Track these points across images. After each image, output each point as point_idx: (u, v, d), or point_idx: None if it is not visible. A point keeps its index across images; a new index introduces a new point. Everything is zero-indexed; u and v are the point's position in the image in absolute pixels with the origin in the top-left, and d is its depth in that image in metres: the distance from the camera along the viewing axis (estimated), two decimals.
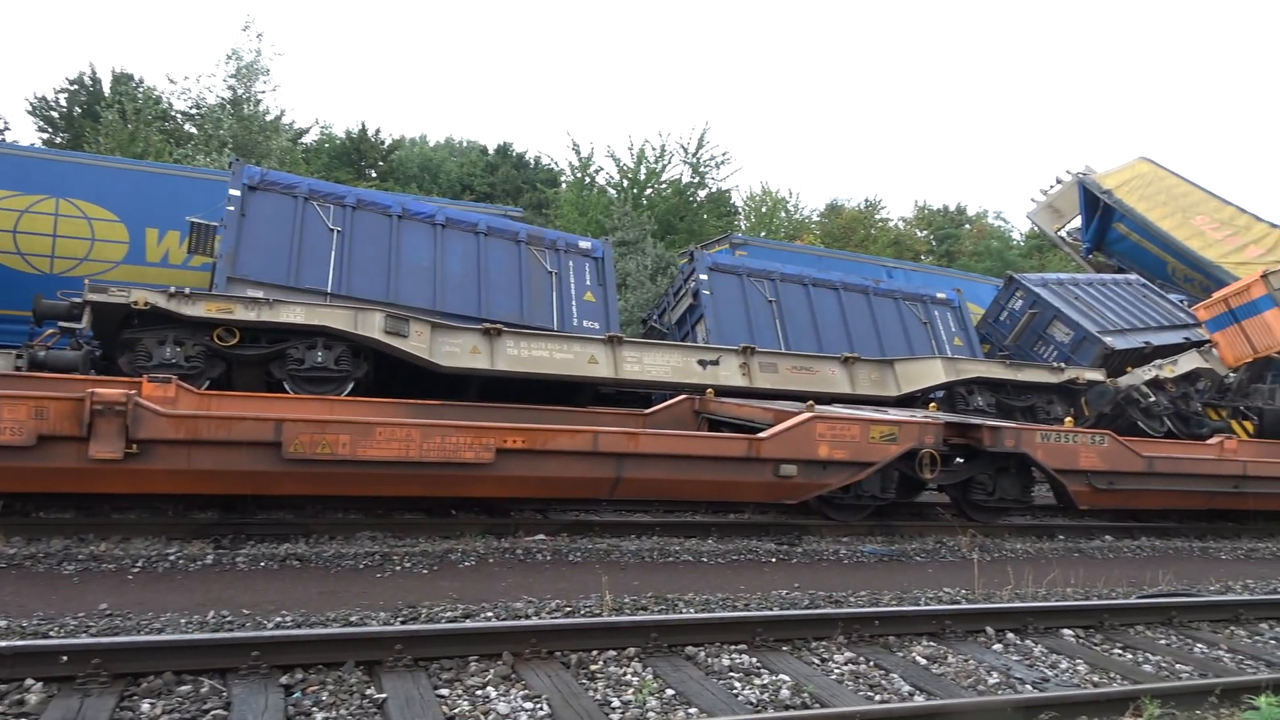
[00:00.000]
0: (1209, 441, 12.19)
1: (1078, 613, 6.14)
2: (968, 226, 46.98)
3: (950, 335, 14.85)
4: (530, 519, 8.34)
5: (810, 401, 8.85)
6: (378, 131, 40.91)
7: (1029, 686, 4.85)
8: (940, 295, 15.17)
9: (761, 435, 7.91)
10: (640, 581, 6.60)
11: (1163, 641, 6.02)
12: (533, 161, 41.34)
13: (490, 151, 43.55)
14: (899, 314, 14.71)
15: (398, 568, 6.55)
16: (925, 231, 46.32)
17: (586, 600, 5.86)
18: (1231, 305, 14.38)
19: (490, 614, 5.42)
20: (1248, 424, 14.20)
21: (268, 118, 26.13)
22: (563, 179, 32.79)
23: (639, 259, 21.03)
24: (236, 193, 10.66)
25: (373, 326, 9.61)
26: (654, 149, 28.54)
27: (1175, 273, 19.05)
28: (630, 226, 22.75)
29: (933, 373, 12.70)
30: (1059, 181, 21.68)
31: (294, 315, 9.43)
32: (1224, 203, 18.97)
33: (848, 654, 5.16)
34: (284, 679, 4.16)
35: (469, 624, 4.87)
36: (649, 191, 28.39)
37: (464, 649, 4.56)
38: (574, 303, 12.22)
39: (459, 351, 10.10)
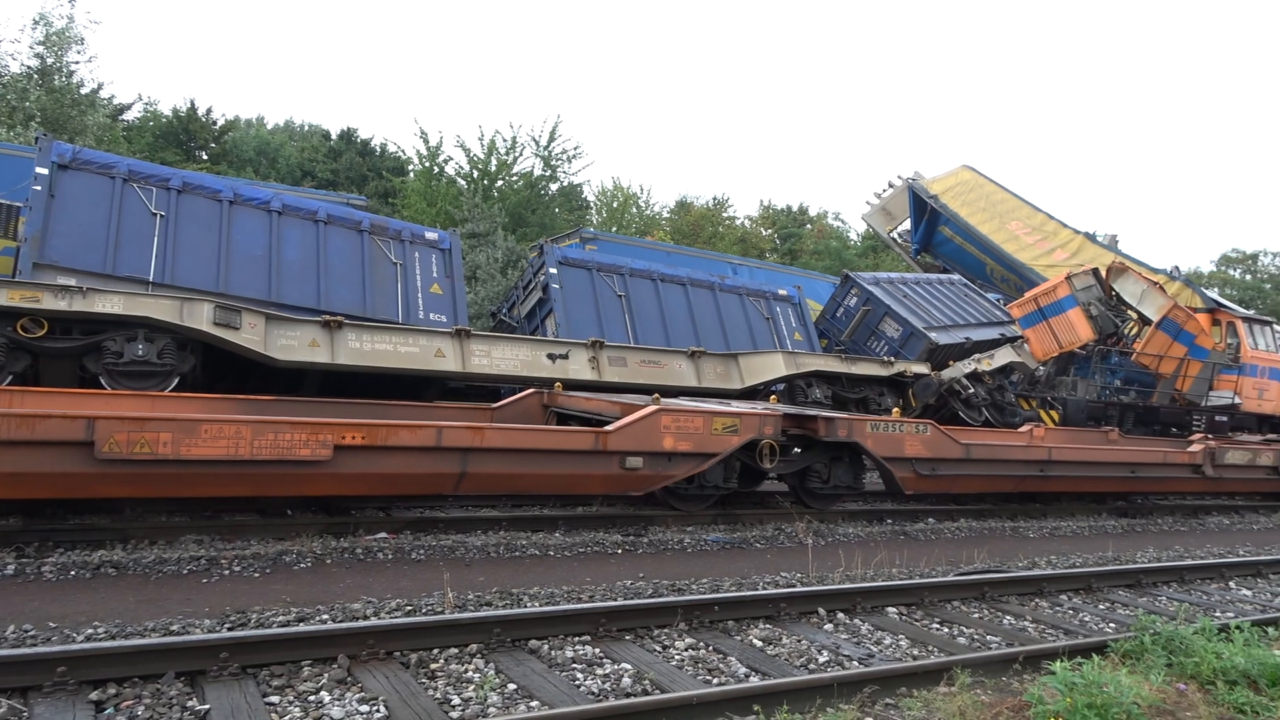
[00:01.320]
0: (1020, 429, 13.26)
1: (901, 591, 6.54)
2: (809, 227, 48.93)
3: (791, 330, 15.45)
4: (372, 517, 8.12)
5: (656, 395, 9.00)
6: (209, 111, 38.60)
7: (855, 663, 5.14)
8: (782, 292, 15.75)
9: (608, 428, 8.00)
10: (486, 577, 6.55)
11: (976, 615, 6.50)
12: (379, 149, 40.01)
13: (334, 137, 41.83)
14: (743, 309, 15.18)
15: (226, 572, 6.23)
16: (770, 230, 47.90)
17: (429, 598, 5.77)
18: (1040, 304, 15.64)
19: (326, 616, 5.25)
20: (1054, 413, 15.47)
21: (81, 90, 24.14)
22: (410, 168, 31.92)
23: (489, 252, 20.80)
24: (44, 171, 9.81)
25: (201, 318, 9.08)
26: (505, 140, 28.27)
27: (993, 273, 20.54)
28: (480, 218, 22.45)
29: (774, 366, 13.14)
30: (891, 186, 22.93)
31: (112, 305, 8.77)
32: (1035, 209, 20.61)
33: (688, 640, 5.30)
34: (94, 695, 3.88)
35: (302, 628, 4.69)
36: (500, 183, 28.06)
37: (296, 654, 4.40)
38: (420, 295, 11.95)
39: (296, 345, 9.68)
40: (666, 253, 18.68)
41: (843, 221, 51.34)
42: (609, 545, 7.97)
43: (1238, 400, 16.36)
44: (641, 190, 41.46)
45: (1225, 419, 16.38)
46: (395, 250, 12.07)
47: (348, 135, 41.14)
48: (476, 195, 25.05)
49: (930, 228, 21.63)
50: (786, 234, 47.34)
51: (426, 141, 27.71)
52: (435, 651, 4.72)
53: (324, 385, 10.34)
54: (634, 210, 38.80)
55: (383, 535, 7.54)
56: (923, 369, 14.41)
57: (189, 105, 37.93)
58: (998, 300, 18.07)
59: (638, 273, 14.13)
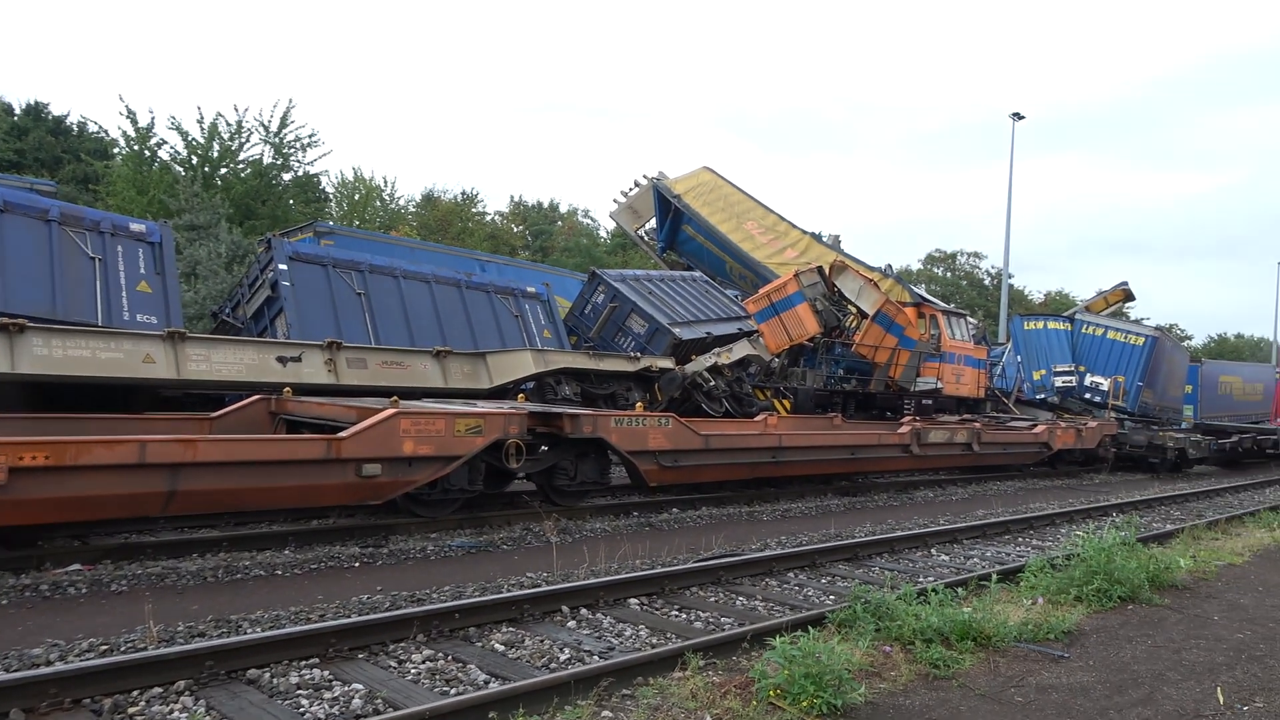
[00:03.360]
0: (756, 419, 14.17)
1: (643, 582, 6.77)
2: (560, 224, 49.57)
3: (540, 328, 15.50)
4: (64, 547, 7.23)
5: (394, 397, 8.71)
6: None
7: (595, 657, 5.24)
8: (531, 290, 15.77)
9: (342, 435, 7.64)
10: (201, 605, 6.03)
11: (712, 599, 6.85)
12: (76, 127, 35.73)
13: (18, 111, 36.83)
14: (492, 307, 15.04)
15: None
16: (521, 227, 48.05)
17: (131, 634, 5.22)
18: (773, 300, 16.81)
19: None
20: (786, 402, 16.63)
21: None
22: (116, 151, 28.76)
23: (211, 245, 19.26)
24: None
25: None
26: (229, 124, 26.20)
27: (732, 271, 21.82)
28: (201, 209, 20.73)
29: (523, 364, 13.07)
30: (637, 185, 23.71)
31: None
32: (768, 211, 22.12)
33: (427, 652, 5.16)
34: None
35: None
36: (224, 171, 26.01)
37: None
38: (124, 294, 10.79)
39: None
40: (411, 248, 18.16)
41: (593, 219, 52.58)
42: (345, 559, 7.61)
43: (940, 385, 18.39)
44: (386, 183, 39.91)
45: (930, 402, 18.37)
46: (93, 243, 10.81)
47: (36, 110, 36.41)
48: (196, 183, 23.06)
49: (674, 226, 22.60)
50: (538, 230, 47.65)
51: (135, 122, 25.01)
52: (135, 694, 4.27)
53: (3, 398, 9.05)
54: (377, 204, 37.42)
55: (76, 567, 6.74)
56: (668, 364, 14.87)
57: None
58: (736, 296, 19.11)
59: (379, 269, 13.61)
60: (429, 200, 43.86)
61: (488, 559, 8.01)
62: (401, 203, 41.45)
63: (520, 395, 12.18)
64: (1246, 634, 6.36)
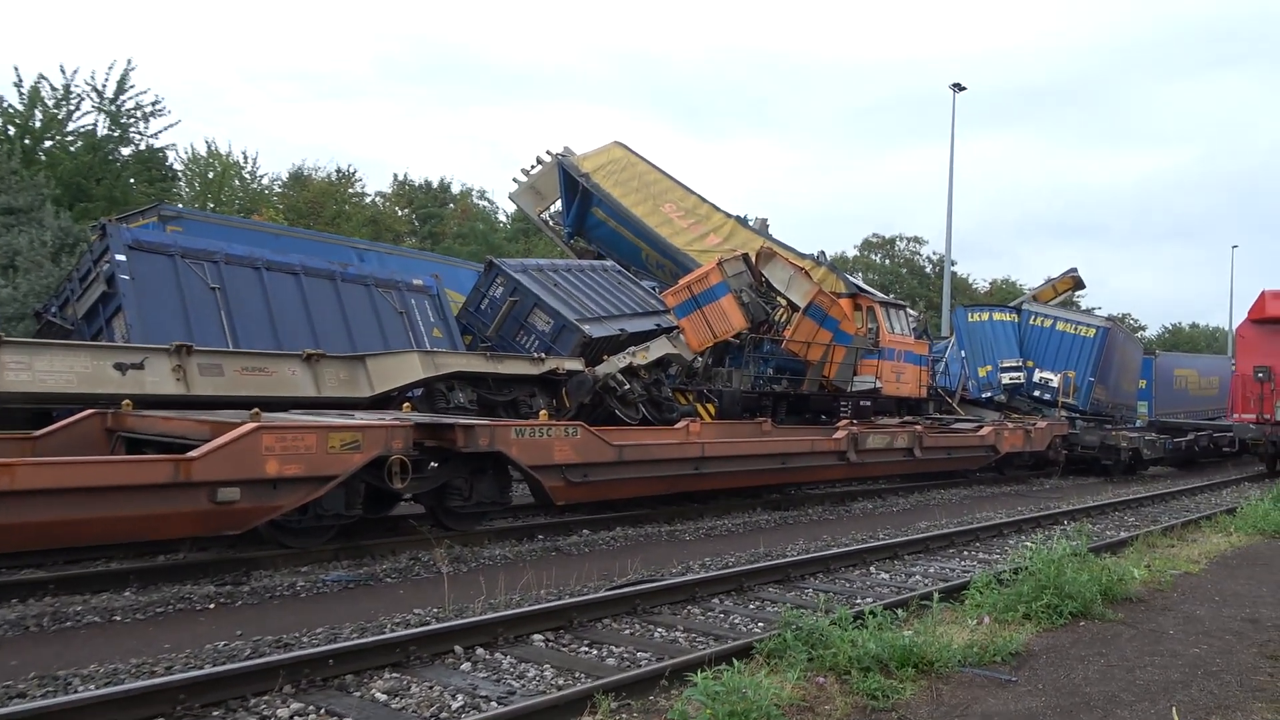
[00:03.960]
0: (677, 426, 14.28)
1: (547, 615, 6.74)
2: (452, 206, 49.09)
3: (429, 326, 15.35)
4: None
5: (256, 409, 8.48)
6: None
7: (494, 703, 5.18)
8: (418, 282, 15.61)
9: (193, 454, 7.40)
10: (21, 660, 5.76)
11: (627, 631, 6.86)
12: None
13: None
14: (372, 303, 14.83)
15: None
16: (407, 210, 47.39)
17: None
18: (694, 292, 17.02)
19: None
20: (710, 406, 16.82)
21: None
22: None
23: (34, 232, 18.65)
24: None
25: None
26: (55, 89, 25.15)
27: (649, 259, 21.95)
28: (20, 189, 20.04)
29: (409, 368, 12.92)
30: (540, 162, 23.63)
31: None
32: (688, 191, 22.32)
33: (295, 705, 5.03)
34: None
35: None
36: (49, 144, 24.99)
37: None
38: None
39: None
40: (275, 235, 17.75)
41: (490, 201, 52.25)
42: (198, 600, 7.38)
43: (879, 385, 18.90)
44: (246, 158, 38.94)
45: (868, 404, 18.86)
46: None
47: None
48: (14, 159, 22.08)
49: (583, 209, 22.60)
50: (426, 214, 47.14)
51: None
52: None
53: None
54: (236, 183, 36.43)
55: None
56: (576, 365, 14.91)
57: None
58: (654, 288, 19.24)
59: (237, 260, 13.28)
60: (298, 179, 42.88)
61: (369, 594, 7.86)
62: (265, 182, 40.56)
63: (406, 404, 12.06)
64: (1203, 648, 6.68)
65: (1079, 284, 30.58)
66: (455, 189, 51.14)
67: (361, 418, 9.54)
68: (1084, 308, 46.63)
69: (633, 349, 15.88)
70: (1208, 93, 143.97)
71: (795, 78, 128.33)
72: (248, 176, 37.93)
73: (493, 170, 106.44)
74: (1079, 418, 22.89)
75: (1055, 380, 23.30)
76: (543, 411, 12.33)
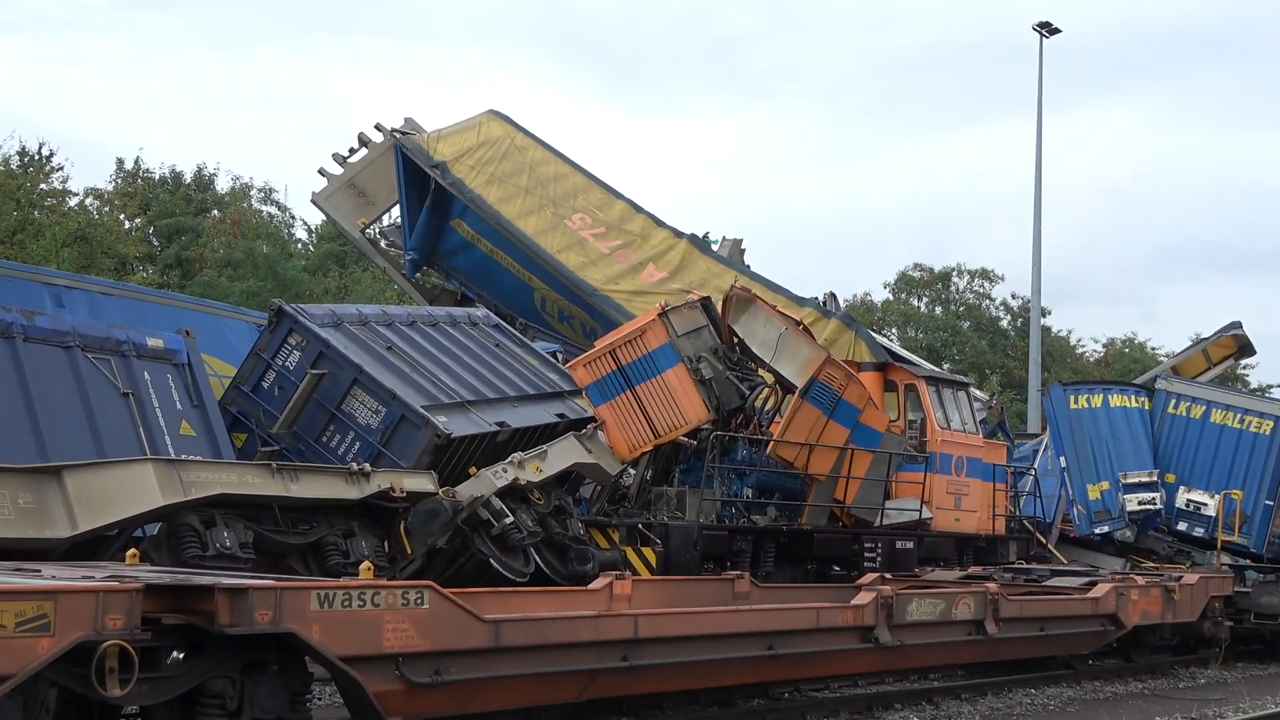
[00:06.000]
0: (594, 585, 13.35)
1: None
2: (216, 213, 48.92)
3: (174, 416, 14.83)
4: None
5: None
6: None
7: None
8: (155, 342, 15.05)
9: None
10: None
11: None
12: None
13: None
14: (76, 376, 14.41)
15: None
16: (139, 219, 47.48)
17: None
18: (622, 361, 16.37)
19: None
20: (649, 551, 15.92)
21: None
22: None
23: None
24: None
25: None
26: None
27: (547, 304, 21.34)
28: None
29: (139, 490, 12.53)
30: (365, 144, 23.30)
31: None
32: (612, 193, 21.86)
33: None
34: None
35: None
36: None
37: None
38: None
39: None
40: None
41: (281, 206, 52.25)
42: None
43: (927, 514, 18.19)
44: None
45: (910, 546, 18.11)
46: None
47: None
48: None
49: (437, 221, 22.25)
50: (173, 227, 46.86)
51: None
52: None
53: None
54: None
55: None
56: (424, 483, 14.42)
57: None
58: (554, 354, 18.65)
59: None
60: None
61: None
62: None
63: (132, 552, 11.21)
64: None
65: (1246, 349, 30.28)
66: (223, 184, 51.19)
67: (54, 574, 8.72)
68: (1255, 386, 47.09)
69: (519, 456, 15.17)
70: None
71: (784, 15, 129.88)
72: None
73: (296, 153, 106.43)
74: (1251, 566, 22.50)
75: (1212, 505, 22.94)
76: (366, 563, 11.59)
